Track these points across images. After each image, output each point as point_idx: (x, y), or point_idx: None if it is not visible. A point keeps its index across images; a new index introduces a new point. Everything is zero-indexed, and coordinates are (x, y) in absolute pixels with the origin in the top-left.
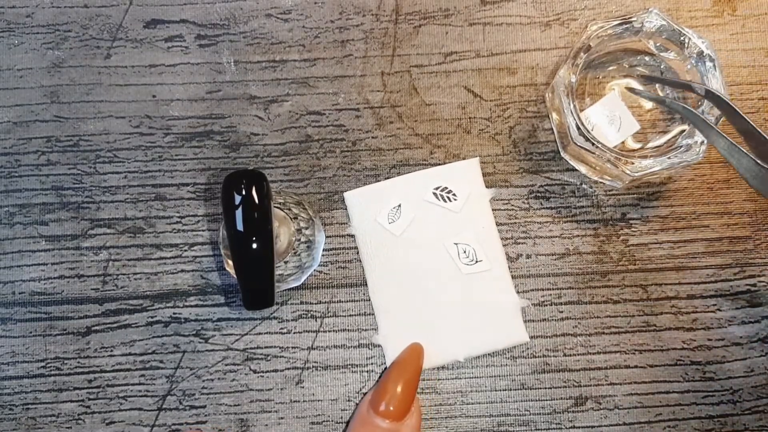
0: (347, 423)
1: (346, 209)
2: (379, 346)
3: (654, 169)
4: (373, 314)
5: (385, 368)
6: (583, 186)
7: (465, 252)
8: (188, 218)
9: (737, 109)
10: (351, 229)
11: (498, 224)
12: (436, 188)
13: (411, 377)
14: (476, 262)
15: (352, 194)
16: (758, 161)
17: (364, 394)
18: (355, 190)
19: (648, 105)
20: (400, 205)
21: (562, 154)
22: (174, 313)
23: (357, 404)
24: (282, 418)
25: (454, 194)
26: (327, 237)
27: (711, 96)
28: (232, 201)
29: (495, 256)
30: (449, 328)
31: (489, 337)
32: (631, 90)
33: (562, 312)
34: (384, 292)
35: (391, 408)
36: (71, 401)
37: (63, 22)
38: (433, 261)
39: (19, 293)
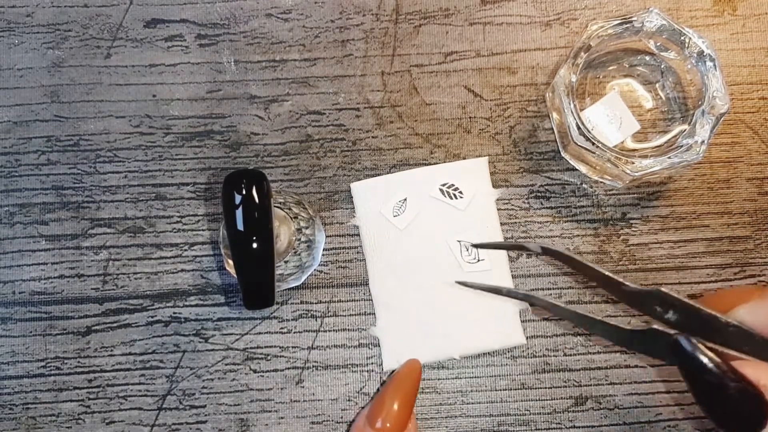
0: None
1: (346, 208)
2: (376, 338)
3: (654, 168)
4: (373, 314)
5: (383, 383)
6: (584, 186)
7: (468, 250)
8: (188, 218)
9: (573, 256)
10: (355, 220)
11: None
12: (443, 185)
13: (408, 394)
14: (478, 261)
15: (358, 185)
16: (615, 324)
17: (365, 393)
18: (362, 182)
19: (648, 105)
20: (405, 199)
21: (563, 153)
22: (174, 313)
23: (354, 418)
24: (282, 417)
25: (460, 192)
26: (327, 236)
27: (548, 251)
28: (232, 200)
29: (497, 257)
30: (447, 325)
31: (486, 336)
32: None
33: None
34: (384, 284)
35: (388, 425)
36: (71, 401)
37: (63, 22)
38: (435, 257)
39: (19, 293)
